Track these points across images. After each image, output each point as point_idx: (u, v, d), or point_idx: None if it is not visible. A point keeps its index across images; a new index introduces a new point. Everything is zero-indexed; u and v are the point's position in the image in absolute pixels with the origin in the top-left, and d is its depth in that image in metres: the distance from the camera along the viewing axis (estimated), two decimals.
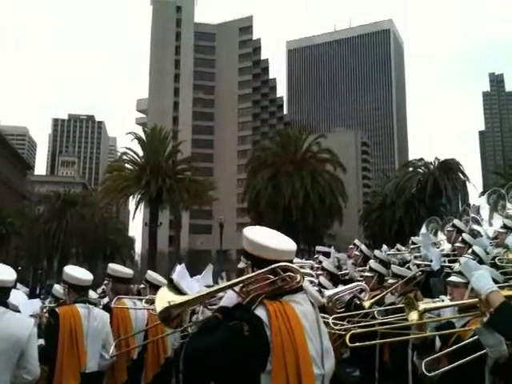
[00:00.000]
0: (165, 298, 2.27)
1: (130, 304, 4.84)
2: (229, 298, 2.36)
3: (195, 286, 2.97)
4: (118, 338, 4.51)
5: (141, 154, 43.73)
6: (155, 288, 5.14)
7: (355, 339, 3.11)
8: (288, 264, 2.26)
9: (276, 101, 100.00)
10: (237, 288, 2.34)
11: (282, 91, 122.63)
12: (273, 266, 2.23)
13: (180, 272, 2.93)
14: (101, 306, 5.08)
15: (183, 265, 2.99)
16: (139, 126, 75.83)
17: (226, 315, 2.26)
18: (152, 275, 5.27)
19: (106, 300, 5.56)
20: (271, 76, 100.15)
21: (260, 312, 2.15)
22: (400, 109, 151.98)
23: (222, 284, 2.51)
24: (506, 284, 4.36)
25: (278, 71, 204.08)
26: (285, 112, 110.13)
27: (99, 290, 7.48)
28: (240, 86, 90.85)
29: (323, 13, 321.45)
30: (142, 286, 5.58)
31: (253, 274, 2.27)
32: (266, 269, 2.23)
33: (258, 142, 78.43)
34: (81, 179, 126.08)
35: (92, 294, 5.60)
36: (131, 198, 43.42)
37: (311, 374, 2.14)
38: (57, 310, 4.34)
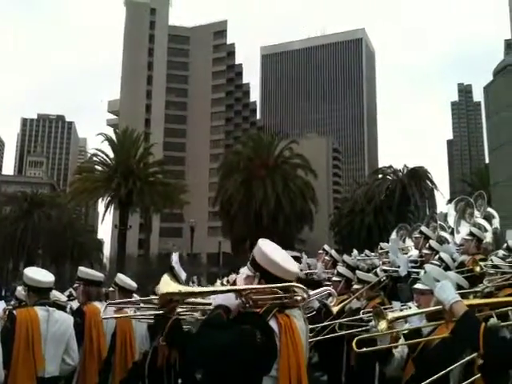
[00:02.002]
0: (172, 284, 2.51)
1: (101, 308, 4.77)
2: (229, 298, 2.52)
3: (184, 275, 3.11)
4: (90, 341, 4.45)
5: (111, 155, 43.29)
6: (124, 291, 5.09)
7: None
8: (299, 285, 2.54)
9: (249, 105, 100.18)
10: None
11: (255, 96, 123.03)
12: (287, 284, 2.48)
13: (176, 261, 3.06)
14: (68, 310, 5.00)
15: (178, 253, 3.11)
16: (110, 127, 74.97)
17: (228, 317, 2.46)
18: (122, 278, 5.22)
19: (73, 303, 5.46)
20: (245, 81, 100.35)
21: (273, 323, 2.37)
22: (371, 116, 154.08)
23: (232, 286, 2.73)
24: (472, 290, 4.46)
25: (252, 76, 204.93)
26: (258, 117, 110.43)
27: (66, 293, 7.34)
28: (213, 90, 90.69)
29: (297, 20, 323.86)
30: (111, 289, 5.51)
31: (267, 286, 2.47)
32: (280, 284, 2.46)
33: (231, 146, 78.33)
34: (49, 180, 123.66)
35: (60, 297, 5.51)
36: (101, 200, 42.95)
37: (306, 382, 2.41)
38: (14, 312, 4.23)
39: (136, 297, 5.13)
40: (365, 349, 3.07)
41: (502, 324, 2.78)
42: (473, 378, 2.87)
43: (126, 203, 40.72)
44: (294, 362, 2.34)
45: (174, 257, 3.00)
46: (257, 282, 2.52)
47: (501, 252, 5.80)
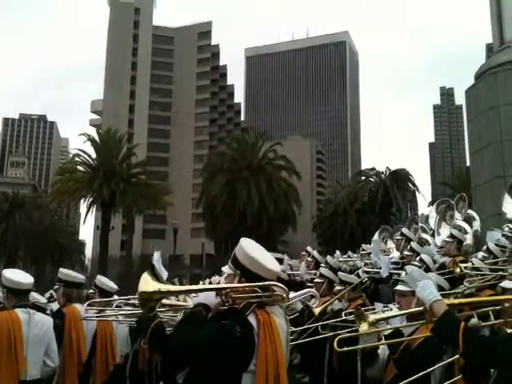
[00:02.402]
0: (150, 283, 2.50)
1: (81, 310, 4.72)
2: (209, 297, 2.58)
3: (165, 274, 3.10)
4: (70, 343, 4.39)
5: (94, 156, 42.93)
6: (105, 293, 5.04)
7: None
8: (278, 284, 2.54)
9: (233, 107, 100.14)
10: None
11: (239, 98, 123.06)
12: (266, 283, 2.49)
13: (158, 259, 3.05)
14: (48, 311, 4.94)
15: (159, 252, 3.10)
16: (93, 127, 74.35)
17: (208, 312, 2.52)
18: (102, 280, 5.17)
19: (53, 305, 5.40)
20: (229, 82, 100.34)
21: (251, 319, 2.40)
22: (354, 119, 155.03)
23: (212, 285, 2.80)
24: (452, 291, 4.51)
25: (236, 77, 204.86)
26: (242, 118, 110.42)
27: (47, 295, 7.25)
28: (198, 91, 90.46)
29: (281, 22, 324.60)
30: (92, 291, 5.45)
31: (247, 284, 2.49)
32: (260, 283, 2.48)
33: (215, 147, 78.25)
34: (30, 180, 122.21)
35: (40, 299, 5.44)
36: (83, 200, 42.58)
37: (285, 379, 2.44)
38: None
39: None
40: (346, 348, 3.08)
41: (483, 324, 2.80)
42: (454, 379, 2.90)
43: (109, 204, 40.41)
44: (271, 358, 2.36)
45: (156, 255, 3.00)
46: (237, 281, 2.54)
47: (480, 254, 5.86)
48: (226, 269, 2.68)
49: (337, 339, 3.02)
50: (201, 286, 2.92)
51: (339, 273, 5.51)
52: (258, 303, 2.46)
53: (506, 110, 11.33)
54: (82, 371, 4.58)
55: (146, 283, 2.49)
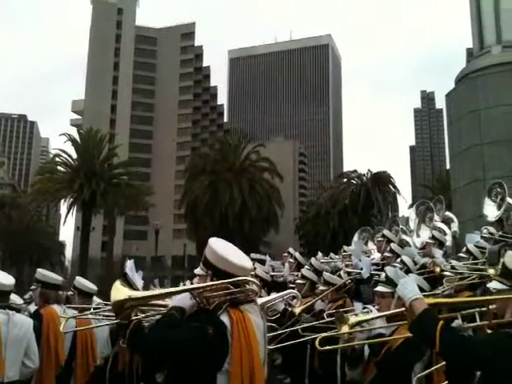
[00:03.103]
0: (122, 291, 2.45)
1: (59, 311, 4.66)
2: (183, 299, 2.55)
3: (141, 282, 3.07)
4: (47, 345, 4.34)
5: (74, 156, 42.55)
6: (84, 295, 5.00)
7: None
8: (249, 279, 2.53)
9: (216, 108, 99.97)
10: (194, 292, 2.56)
11: (222, 99, 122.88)
12: (237, 279, 2.46)
13: (131, 267, 3.00)
14: (26, 313, 4.88)
15: (132, 260, 3.07)
16: (74, 127, 73.61)
17: (182, 317, 2.48)
18: (81, 282, 5.12)
19: (31, 306, 5.32)
20: (212, 83, 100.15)
21: (224, 318, 2.38)
22: (336, 121, 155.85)
23: (184, 286, 2.80)
24: (432, 292, 4.55)
25: (220, 79, 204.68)
26: (225, 120, 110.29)
27: (26, 296, 7.14)
28: (181, 92, 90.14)
29: (265, 24, 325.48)
30: (71, 292, 5.39)
31: (217, 282, 2.46)
32: (230, 280, 2.45)
33: (198, 148, 78.08)
34: (10, 180, 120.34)
35: (16, 300, 5.36)
36: (63, 201, 42.14)
37: (262, 378, 2.41)
38: None
39: (97, 300, 5.04)
40: (328, 347, 3.08)
41: (468, 325, 2.82)
42: (427, 371, 2.92)
43: (89, 205, 40.04)
44: (246, 357, 2.34)
45: (129, 263, 2.95)
46: (209, 281, 2.51)
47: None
48: (198, 270, 2.68)
49: (319, 338, 3.03)
50: (172, 288, 2.87)
51: (324, 273, 5.53)
52: (231, 302, 2.44)
53: (485, 114, 11.50)
54: (62, 373, 4.53)
55: (118, 292, 2.45)
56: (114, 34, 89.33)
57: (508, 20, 12.43)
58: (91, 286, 5.12)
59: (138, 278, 3.02)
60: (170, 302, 2.63)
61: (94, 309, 4.38)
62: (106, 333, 4.97)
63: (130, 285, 2.53)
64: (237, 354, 2.32)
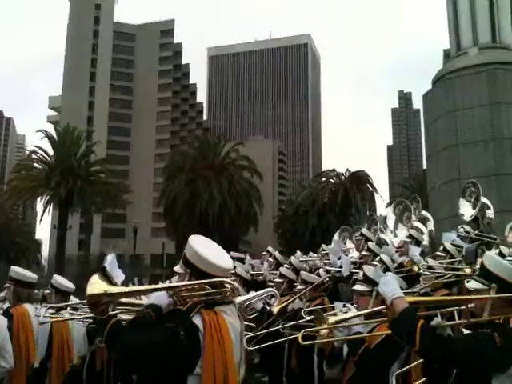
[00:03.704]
0: (98, 285, 2.39)
1: (31, 310, 4.59)
2: (160, 297, 2.51)
3: (121, 276, 3.00)
4: (18, 345, 4.26)
5: (51, 153, 42.00)
6: (61, 294, 4.94)
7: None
8: (227, 280, 2.47)
9: (196, 106, 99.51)
10: (171, 291, 2.51)
11: (202, 97, 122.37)
12: (214, 279, 2.41)
13: (111, 262, 2.93)
14: (0, 311, 4.80)
15: (114, 254, 3.00)
16: (51, 124, 72.59)
17: (158, 314, 2.44)
18: (58, 280, 5.05)
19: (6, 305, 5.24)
20: (192, 81, 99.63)
21: (197, 320, 2.33)
22: (315, 121, 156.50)
23: (160, 284, 2.72)
24: (409, 290, 4.61)
25: (199, 77, 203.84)
26: (204, 118, 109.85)
27: (2, 294, 7.03)
28: (159, 89, 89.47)
29: (244, 22, 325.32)
30: (48, 291, 5.32)
31: (193, 282, 2.42)
32: (207, 280, 2.41)
33: (177, 146, 77.56)
34: None
35: None
36: (39, 199, 41.53)
37: (235, 381, 2.37)
38: None
39: (74, 299, 4.98)
40: (309, 341, 3.10)
41: (446, 323, 2.87)
42: (404, 369, 2.95)
43: (66, 203, 39.56)
44: (219, 359, 2.29)
45: (109, 257, 2.90)
46: (187, 280, 2.47)
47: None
48: (177, 268, 2.64)
49: (300, 334, 3.03)
50: (148, 286, 2.83)
51: (301, 272, 5.55)
52: (206, 303, 2.40)
53: (461, 115, 11.69)
54: (37, 373, 4.47)
55: (94, 286, 2.40)
56: (92, 29, 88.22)
57: (484, 22, 12.65)
58: (68, 285, 5.06)
59: (118, 273, 2.97)
60: (146, 301, 2.59)
61: (72, 308, 4.32)
62: (82, 331, 4.92)
63: (108, 279, 2.47)
64: (209, 357, 2.27)
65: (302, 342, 2.97)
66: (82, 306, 4.12)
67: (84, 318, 4.01)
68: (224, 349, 2.31)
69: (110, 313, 2.46)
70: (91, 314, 3.60)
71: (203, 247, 2.50)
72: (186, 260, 2.51)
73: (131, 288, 2.62)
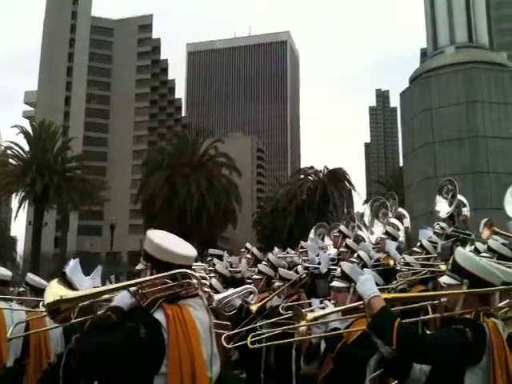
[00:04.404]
0: (56, 291, 2.27)
1: (4, 306, 4.52)
2: (122, 298, 2.35)
3: (87, 282, 2.89)
4: None
5: (27, 149, 41.39)
6: (36, 291, 4.88)
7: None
8: (188, 271, 2.31)
9: (174, 102, 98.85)
10: (132, 289, 2.35)
11: (180, 93, 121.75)
12: (173, 271, 2.27)
13: (73, 267, 2.84)
14: None
15: (77, 259, 2.90)
16: (26, 119, 71.43)
17: (120, 315, 2.28)
18: (33, 278, 4.99)
19: None
20: (170, 77, 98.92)
21: (159, 315, 2.20)
22: (294, 118, 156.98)
23: (118, 284, 2.50)
24: (386, 286, 4.67)
25: (178, 73, 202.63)
26: (183, 114, 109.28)
27: None
28: (137, 85, 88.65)
29: (224, 19, 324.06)
30: (22, 289, 5.25)
31: (152, 277, 2.30)
32: (165, 273, 2.27)
33: (155, 142, 77.11)
34: None
35: None
36: (14, 195, 40.86)
37: (205, 377, 2.23)
38: None
39: None
40: (258, 345, 3.09)
41: (422, 318, 2.91)
42: (376, 373, 2.99)
43: (42, 199, 39.02)
44: (186, 356, 2.16)
45: (72, 262, 2.81)
46: (149, 274, 2.36)
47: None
48: (139, 266, 2.55)
49: (250, 337, 3.04)
50: (108, 286, 2.68)
51: (279, 269, 5.57)
52: (168, 297, 2.27)
53: (438, 113, 11.83)
54: (13, 371, 4.42)
55: (50, 292, 2.28)
56: (69, 24, 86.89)
57: (460, 21, 12.82)
58: (43, 283, 5.00)
59: (81, 280, 2.83)
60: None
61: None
62: (59, 329, 4.86)
63: (69, 285, 2.35)
64: (174, 354, 2.15)
65: (251, 346, 2.97)
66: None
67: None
68: (191, 345, 2.19)
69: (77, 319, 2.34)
70: None
71: (162, 238, 2.41)
72: (145, 254, 2.42)
73: (89, 290, 2.44)
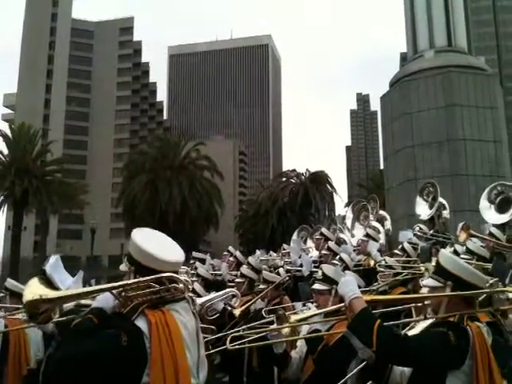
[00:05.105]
0: (35, 291, 2.15)
1: None
2: (105, 300, 2.27)
3: (68, 280, 2.77)
4: None
5: (6, 152, 40.86)
6: (16, 296, 4.80)
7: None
8: (174, 275, 2.22)
9: (156, 105, 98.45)
10: (115, 291, 2.26)
11: (162, 96, 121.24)
12: (159, 275, 2.18)
13: (53, 264, 2.71)
14: None
15: (58, 256, 2.77)
16: (5, 122, 70.41)
17: (102, 319, 2.19)
18: (12, 283, 4.91)
19: None
20: (152, 80, 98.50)
21: (141, 323, 2.11)
22: (276, 121, 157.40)
23: (102, 285, 2.39)
24: (367, 288, 4.70)
25: (159, 76, 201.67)
26: (164, 117, 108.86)
27: None
28: (118, 87, 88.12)
29: (205, 22, 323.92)
30: (2, 294, 5.17)
31: (137, 280, 2.20)
32: (151, 277, 2.18)
33: (136, 145, 76.54)
34: None
35: None
36: None
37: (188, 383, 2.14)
38: None
39: None
40: (237, 346, 3.08)
41: (405, 320, 2.92)
42: (351, 374, 3.00)
43: (21, 203, 38.52)
44: (169, 364, 2.08)
45: (51, 259, 2.68)
46: (132, 278, 2.24)
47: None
48: (122, 266, 2.44)
49: (229, 338, 3.04)
50: (90, 287, 2.57)
51: (263, 272, 5.57)
52: (151, 303, 2.18)
53: (417, 117, 11.97)
54: None
55: (30, 291, 2.16)
56: (49, 26, 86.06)
57: (440, 26, 13.00)
58: (23, 287, 4.93)
59: (62, 277, 2.72)
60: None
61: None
62: (39, 335, 4.80)
63: (49, 284, 2.26)
64: (157, 363, 2.06)
65: (230, 347, 2.97)
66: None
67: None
68: (174, 352, 2.09)
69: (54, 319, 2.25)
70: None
71: (148, 241, 2.26)
72: (129, 256, 2.30)
73: (72, 291, 2.35)
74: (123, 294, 2.24)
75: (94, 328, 2.13)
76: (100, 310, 2.23)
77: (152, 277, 2.18)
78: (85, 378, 2.03)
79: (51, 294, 2.17)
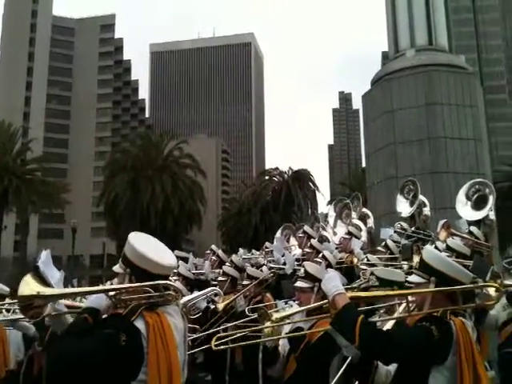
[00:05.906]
0: (31, 286, 2.23)
1: None
2: (98, 300, 2.37)
3: (57, 275, 2.79)
4: None
5: None
6: None
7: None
8: (170, 283, 2.36)
9: (138, 103, 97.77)
10: (110, 292, 2.37)
11: (144, 94, 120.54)
12: (155, 282, 2.30)
13: (45, 260, 2.72)
14: None
15: (48, 251, 2.78)
16: None
17: (96, 318, 2.30)
18: None
19: None
20: (133, 77, 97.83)
21: (139, 324, 2.22)
22: (259, 119, 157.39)
23: (98, 287, 2.58)
24: (349, 286, 4.73)
25: (141, 73, 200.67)
26: (146, 115, 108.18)
27: None
28: (100, 85, 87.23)
29: (188, 19, 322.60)
30: None
31: (134, 284, 2.31)
32: (148, 283, 2.29)
33: (118, 144, 75.94)
34: None
35: None
36: None
37: (179, 383, 2.28)
38: None
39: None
40: (222, 346, 3.09)
41: (389, 317, 2.93)
42: (341, 370, 3.02)
43: (1, 202, 38.09)
44: (164, 363, 2.20)
45: (42, 255, 2.70)
46: (127, 280, 2.35)
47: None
48: (116, 268, 2.48)
49: (214, 338, 3.04)
50: (88, 288, 2.67)
51: (247, 268, 5.58)
52: (147, 305, 2.30)
53: (399, 115, 12.06)
54: None
55: (26, 286, 2.23)
56: (29, 23, 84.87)
57: (421, 25, 13.11)
58: (2, 287, 4.86)
59: (53, 273, 2.76)
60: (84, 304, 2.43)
61: (7, 310, 4.16)
62: (19, 335, 4.74)
63: (42, 280, 2.31)
64: (153, 362, 2.18)
65: (215, 348, 2.98)
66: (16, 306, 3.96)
67: (17, 319, 3.86)
68: (168, 352, 2.23)
69: (44, 314, 2.33)
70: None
71: (144, 245, 2.38)
72: (125, 259, 2.39)
73: (69, 290, 2.46)
74: (117, 296, 2.34)
75: (91, 327, 2.24)
76: (93, 310, 2.33)
77: (149, 283, 2.30)
78: (83, 376, 2.13)
79: (48, 290, 2.28)
